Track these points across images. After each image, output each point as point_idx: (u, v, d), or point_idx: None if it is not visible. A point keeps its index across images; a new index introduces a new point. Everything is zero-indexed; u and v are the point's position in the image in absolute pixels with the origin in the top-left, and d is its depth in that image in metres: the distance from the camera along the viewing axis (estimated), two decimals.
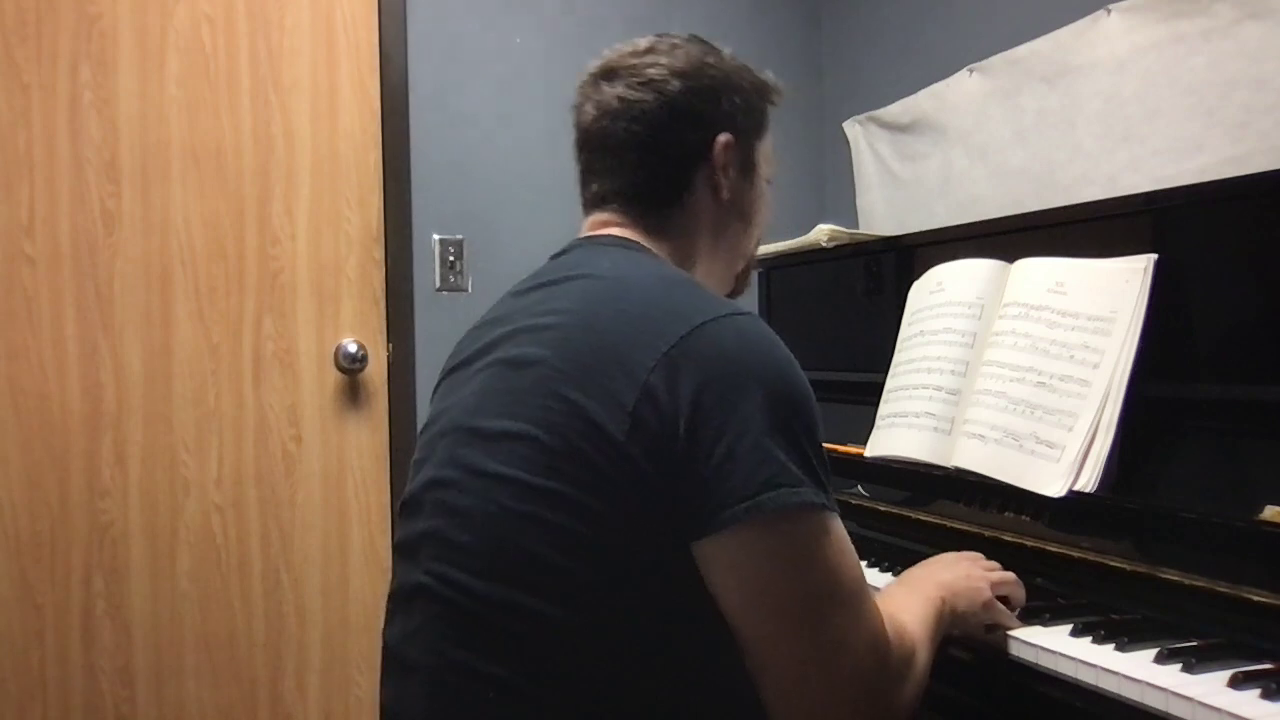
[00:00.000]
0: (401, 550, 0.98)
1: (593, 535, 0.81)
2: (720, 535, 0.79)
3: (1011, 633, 1.00)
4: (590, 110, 1.01)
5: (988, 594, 1.02)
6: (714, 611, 0.85)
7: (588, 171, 1.04)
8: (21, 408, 1.94)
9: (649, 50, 1.01)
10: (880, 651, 0.83)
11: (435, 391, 1.05)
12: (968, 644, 1.05)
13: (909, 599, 0.96)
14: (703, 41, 1.05)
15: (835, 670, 0.81)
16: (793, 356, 0.87)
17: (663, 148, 0.99)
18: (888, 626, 0.85)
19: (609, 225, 1.01)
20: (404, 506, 0.99)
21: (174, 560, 2.04)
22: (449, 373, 1.02)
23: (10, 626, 1.93)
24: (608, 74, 1.01)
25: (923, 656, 0.89)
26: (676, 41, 1.03)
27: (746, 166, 1.05)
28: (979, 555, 1.11)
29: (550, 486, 0.82)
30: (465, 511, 0.88)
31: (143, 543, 2.02)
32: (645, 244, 0.99)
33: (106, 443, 1.99)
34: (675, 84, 0.99)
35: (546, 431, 0.83)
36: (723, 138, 1.00)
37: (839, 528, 0.83)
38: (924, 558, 1.30)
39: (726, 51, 1.06)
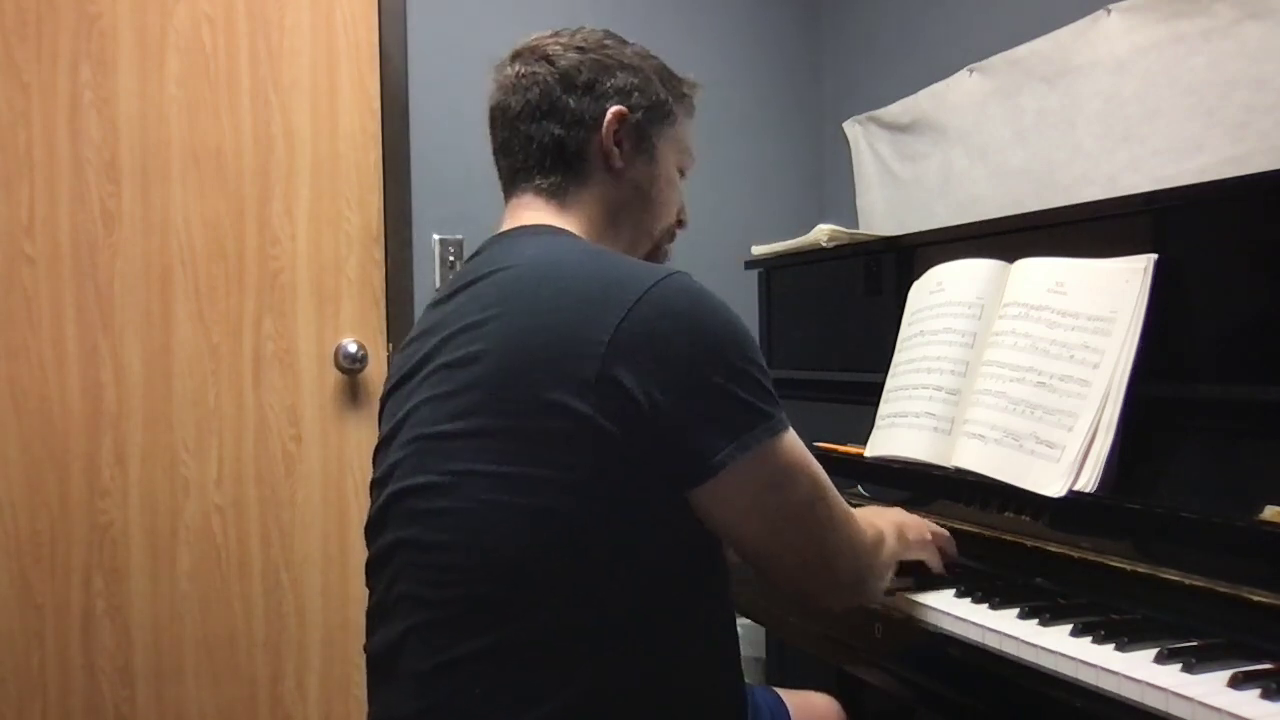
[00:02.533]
0: (373, 566, 0.98)
1: (573, 512, 0.84)
2: (713, 481, 0.85)
3: (1012, 632, 1.00)
4: (495, 90, 1.07)
5: (924, 530, 1.17)
6: (697, 574, 0.91)
7: (495, 152, 1.09)
8: (21, 408, 1.94)
9: (553, 34, 1.07)
10: (856, 526, 0.95)
11: (380, 415, 1.05)
12: (967, 643, 1.05)
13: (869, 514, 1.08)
14: (615, 35, 1.09)
15: (839, 550, 0.93)
16: (725, 303, 0.91)
17: (553, 114, 1.03)
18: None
19: (521, 210, 1.04)
20: (370, 527, 1.00)
21: (174, 560, 2.04)
22: (389, 394, 1.02)
23: (10, 626, 1.93)
24: (514, 57, 1.07)
25: (890, 543, 1.04)
26: (584, 28, 1.09)
27: (644, 146, 1.07)
28: None
29: (525, 472, 0.84)
30: (440, 513, 0.88)
31: (143, 543, 2.02)
32: (556, 223, 1.01)
33: (106, 443, 1.99)
34: (570, 56, 1.04)
35: (510, 419, 0.85)
36: (614, 108, 1.03)
37: (797, 438, 0.91)
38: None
39: (637, 44, 1.10)
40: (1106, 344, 1.14)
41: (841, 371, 1.72)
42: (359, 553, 2.14)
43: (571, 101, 1.02)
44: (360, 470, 2.18)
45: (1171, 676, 0.86)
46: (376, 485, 0.99)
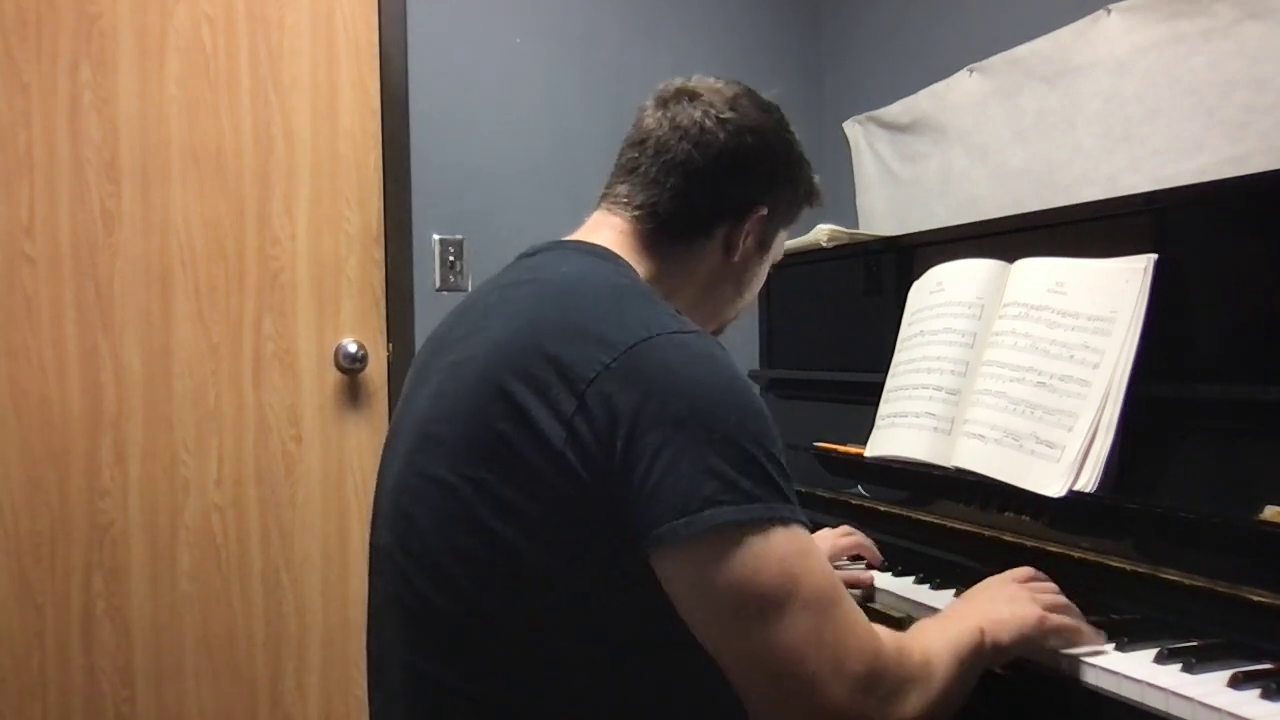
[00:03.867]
0: (371, 564, 0.98)
1: (536, 540, 0.80)
2: (666, 550, 0.76)
3: None
4: (660, 117, 1.01)
5: (1035, 618, 0.93)
6: (669, 617, 0.82)
7: (627, 170, 1.02)
8: (21, 408, 1.94)
9: (738, 98, 1.02)
10: (865, 654, 0.77)
11: (402, 393, 1.04)
12: None
13: (939, 624, 0.92)
14: (782, 115, 1.06)
15: (814, 677, 0.75)
16: (742, 373, 0.85)
17: (708, 185, 0.99)
18: (888, 640, 0.81)
19: (606, 228, 1.01)
20: (372, 520, 0.99)
21: (174, 560, 2.04)
22: (412, 375, 1.02)
23: (10, 626, 1.93)
24: (693, 96, 1.01)
25: (939, 676, 0.83)
26: (765, 102, 1.05)
27: (762, 245, 1.07)
28: (1032, 572, 1.04)
29: (494, 491, 0.81)
30: (418, 518, 0.87)
31: (143, 543, 2.02)
32: (629, 259, 0.98)
33: (106, 443, 1.99)
34: (749, 139, 1.00)
35: (488, 433, 0.82)
36: (761, 209, 1.02)
37: (798, 537, 0.78)
38: (924, 558, 1.31)
39: (799, 140, 1.07)
40: (1106, 344, 1.14)
41: (841, 371, 1.71)
42: (359, 553, 2.16)
43: (729, 183, 1.00)
44: (360, 470, 2.18)
45: (1171, 676, 0.86)
46: (380, 476, 0.99)
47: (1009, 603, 0.96)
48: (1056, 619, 0.95)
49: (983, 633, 0.89)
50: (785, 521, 0.78)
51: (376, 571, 0.96)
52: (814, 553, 0.79)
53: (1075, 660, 0.93)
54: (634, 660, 0.85)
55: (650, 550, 0.77)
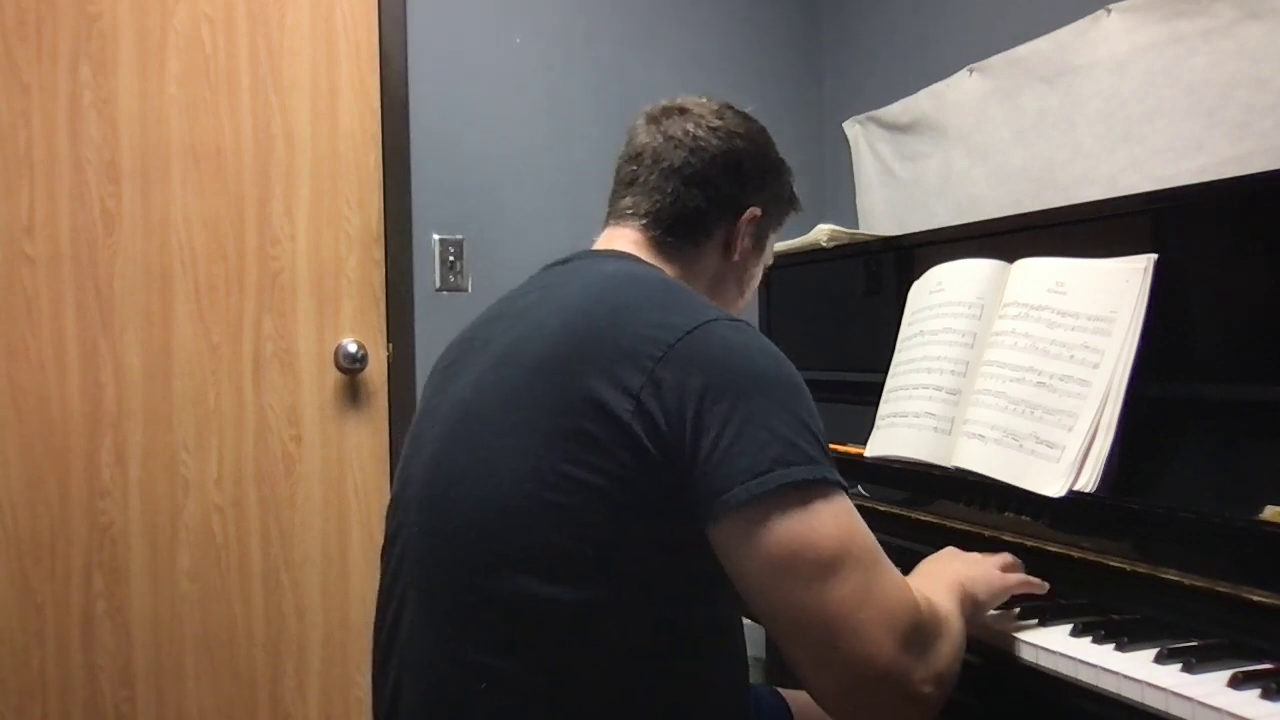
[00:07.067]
0: (389, 546, 1.00)
1: (592, 516, 0.82)
2: (734, 514, 0.80)
3: (1011, 632, 1.00)
4: (654, 132, 1.08)
5: (998, 576, 1.03)
6: (711, 600, 0.87)
7: (626, 184, 1.09)
8: (21, 408, 1.94)
9: (723, 109, 1.11)
10: (908, 608, 0.82)
11: (424, 392, 1.07)
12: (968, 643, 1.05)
13: (929, 581, 0.96)
14: (762, 126, 1.15)
15: (862, 628, 0.79)
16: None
17: (705, 187, 1.06)
18: (917, 594, 0.85)
19: (621, 240, 1.06)
20: (393, 503, 1.01)
21: (174, 560, 2.04)
22: (440, 372, 1.04)
23: (10, 626, 1.93)
24: (682, 111, 1.09)
25: (957, 628, 0.88)
26: (747, 114, 1.14)
27: (757, 245, 1.13)
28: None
29: (552, 467, 0.83)
30: (459, 500, 0.88)
31: (143, 543, 2.02)
32: (651, 263, 1.03)
33: (106, 443, 1.99)
34: (739, 143, 1.09)
35: (548, 413, 0.85)
36: (754, 208, 1.09)
37: (846, 499, 0.84)
38: (924, 558, 1.30)
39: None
40: (1106, 344, 1.14)
41: (841, 371, 1.71)
42: (359, 553, 2.16)
43: (725, 184, 1.07)
44: (360, 470, 2.18)
45: (1171, 676, 0.86)
46: (405, 462, 1.00)
47: (974, 564, 1.04)
48: (1015, 576, 1.05)
49: (963, 588, 0.96)
50: (838, 485, 0.83)
51: (392, 555, 0.97)
52: (858, 518, 0.85)
53: (1075, 660, 0.93)
54: (668, 643, 0.87)
55: (714, 516, 0.81)
